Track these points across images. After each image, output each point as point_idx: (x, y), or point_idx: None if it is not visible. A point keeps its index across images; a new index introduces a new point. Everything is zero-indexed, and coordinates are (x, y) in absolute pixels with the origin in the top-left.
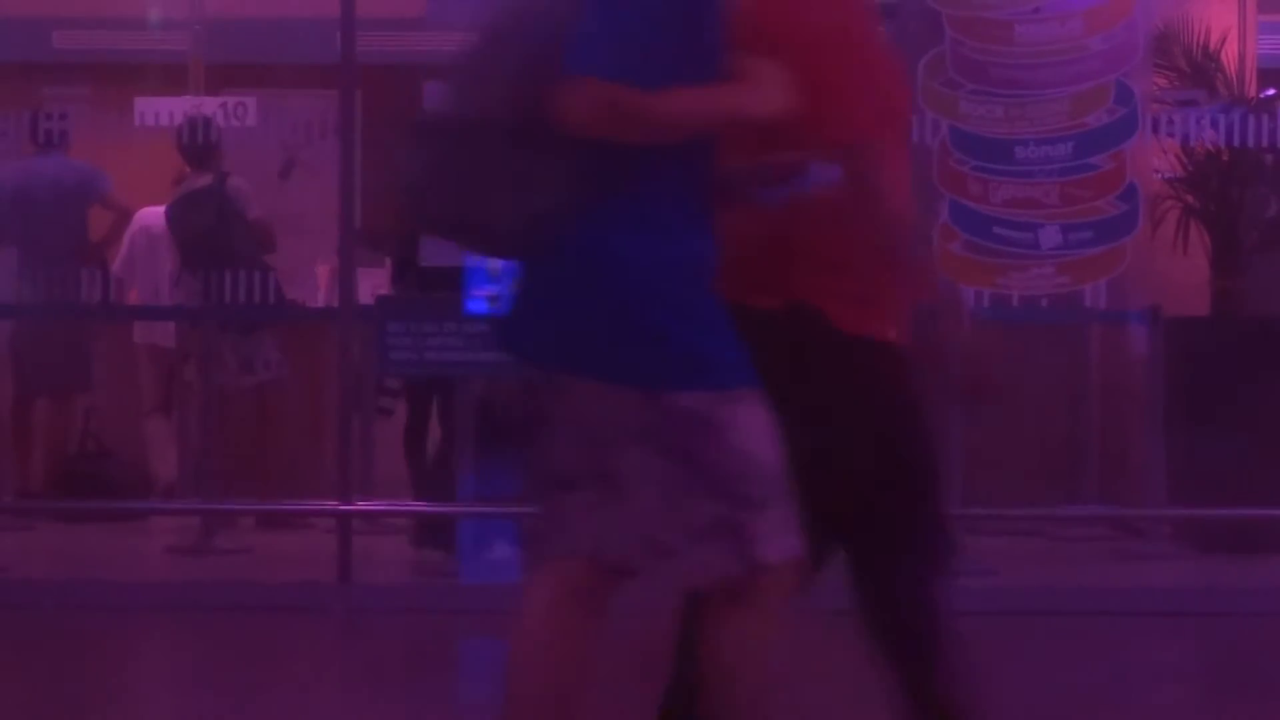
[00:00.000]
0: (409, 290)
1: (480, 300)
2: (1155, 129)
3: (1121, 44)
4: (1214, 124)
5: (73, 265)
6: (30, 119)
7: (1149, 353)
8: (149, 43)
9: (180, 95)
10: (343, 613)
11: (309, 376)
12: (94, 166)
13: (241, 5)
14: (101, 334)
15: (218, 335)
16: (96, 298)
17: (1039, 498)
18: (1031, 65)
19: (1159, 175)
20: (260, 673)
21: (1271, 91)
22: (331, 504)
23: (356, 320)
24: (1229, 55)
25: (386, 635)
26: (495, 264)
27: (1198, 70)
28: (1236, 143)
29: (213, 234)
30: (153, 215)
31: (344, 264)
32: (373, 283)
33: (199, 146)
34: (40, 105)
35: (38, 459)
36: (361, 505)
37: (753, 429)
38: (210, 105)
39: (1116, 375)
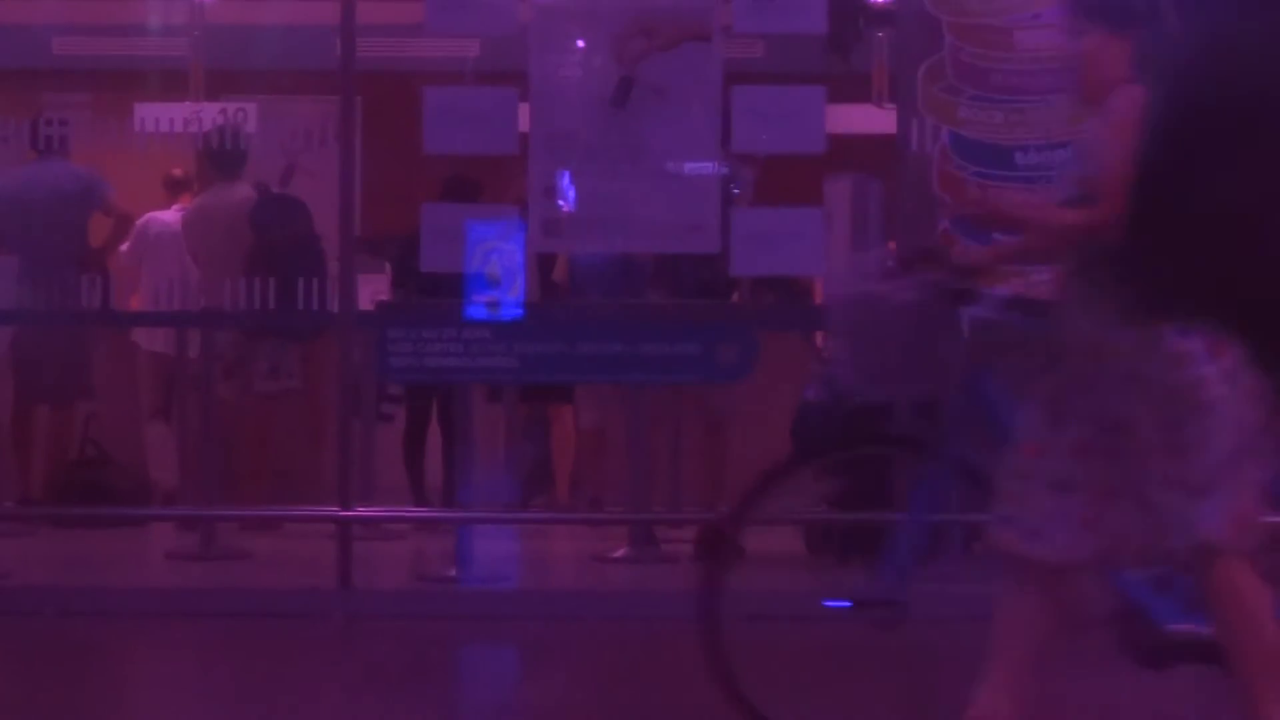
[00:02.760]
0: (409, 296)
1: (480, 306)
2: None
3: None
4: None
5: (73, 271)
6: (31, 125)
7: None
8: (149, 49)
9: (180, 101)
10: (343, 618)
11: (310, 383)
12: (94, 173)
13: (241, 11)
14: (102, 340)
15: (252, 340)
16: (97, 304)
17: None
18: (1031, 71)
19: None
20: (261, 678)
21: None
22: (331, 510)
23: (357, 326)
24: None
25: (387, 641)
26: (495, 270)
27: None
28: None
29: (306, 241)
30: (157, 220)
31: (344, 270)
32: (373, 289)
33: (230, 155)
34: (41, 111)
35: (38, 465)
36: (361, 511)
37: None
38: (210, 111)
39: None
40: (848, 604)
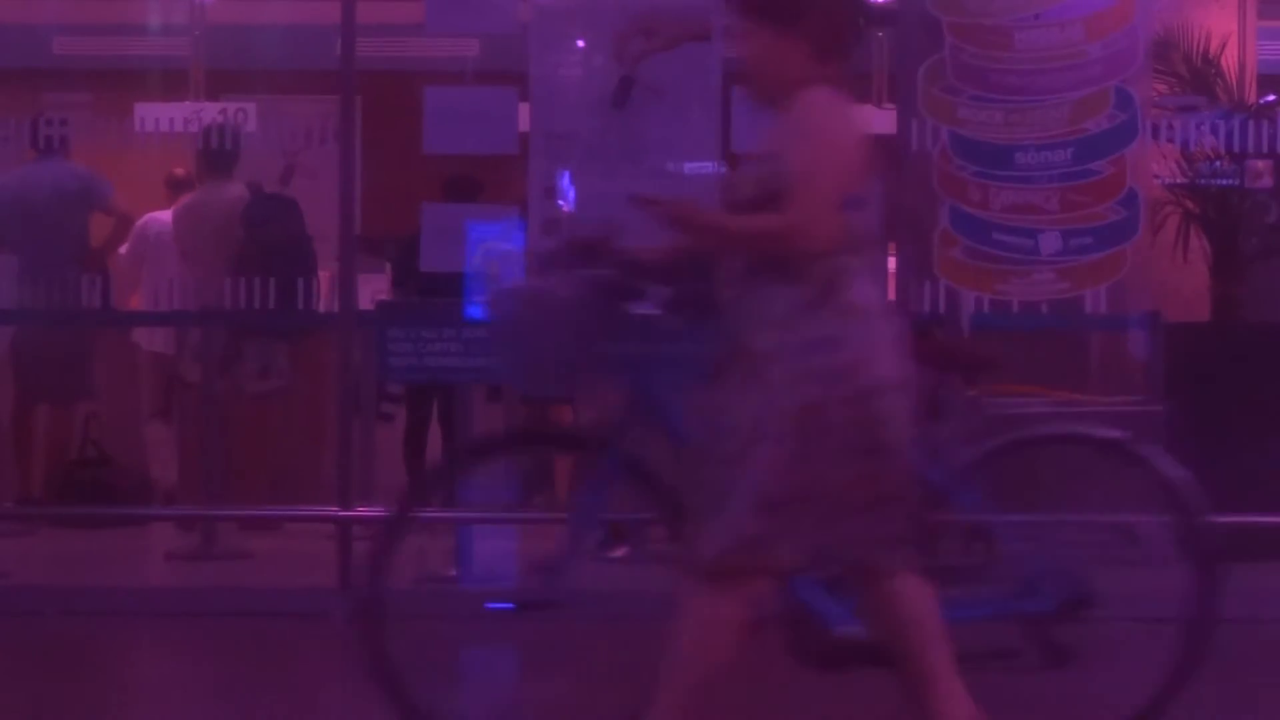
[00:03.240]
0: (409, 296)
1: (480, 306)
2: (1155, 135)
3: (1121, 50)
4: (1214, 130)
5: (73, 271)
6: (31, 125)
7: (1149, 358)
8: (150, 48)
9: (181, 101)
10: (343, 618)
11: (309, 382)
12: (95, 172)
13: (242, 11)
14: (102, 340)
15: (241, 338)
16: (97, 304)
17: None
18: (1031, 71)
19: (1159, 181)
20: (261, 678)
21: (1271, 97)
22: (331, 510)
23: (357, 326)
24: (1229, 61)
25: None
26: (495, 270)
27: (1198, 76)
28: (1236, 148)
29: (297, 241)
30: (156, 220)
31: (344, 269)
32: (373, 288)
33: (223, 153)
34: (41, 111)
35: (38, 465)
36: (362, 511)
37: None
38: (210, 111)
39: (1116, 381)
40: (510, 606)
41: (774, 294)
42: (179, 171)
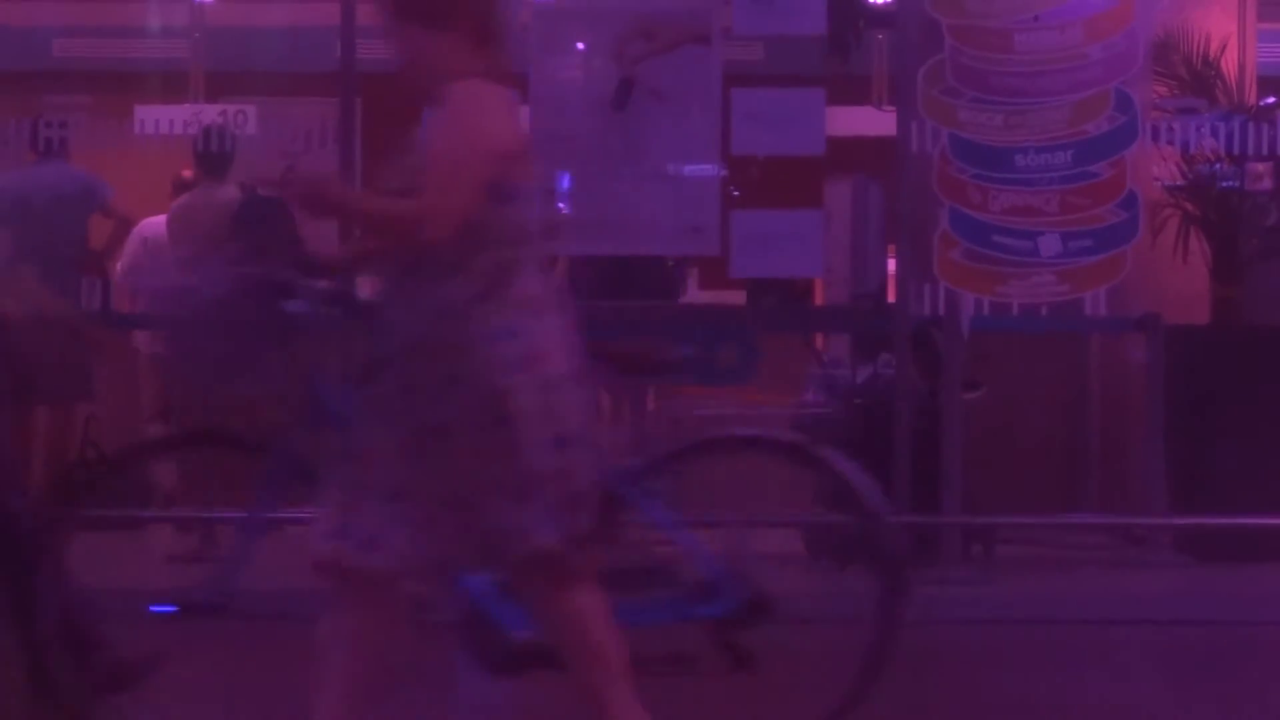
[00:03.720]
0: None
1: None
2: (1155, 137)
3: (1121, 52)
4: (1214, 132)
5: (73, 273)
6: (31, 127)
7: (1149, 360)
8: (149, 51)
9: (180, 103)
10: None
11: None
12: (94, 174)
13: (242, 13)
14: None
15: None
16: (97, 306)
17: (1039, 506)
18: (1031, 73)
19: (1159, 183)
20: (260, 681)
21: (1271, 100)
22: None
23: None
24: (1229, 63)
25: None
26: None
27: (1197, 78)
28: (1236, 150)
29: (288, 242)
30: (154, 225)
31: (345, 271)
32: (373, 288)
33: (220, 155)
34: (40, 113)
35: (38, 467)
36: None
37: None
38: (210, 113)
39: (1116, 383)
40: (173, 609)
41: (440, 288)
42: (186, 173)
